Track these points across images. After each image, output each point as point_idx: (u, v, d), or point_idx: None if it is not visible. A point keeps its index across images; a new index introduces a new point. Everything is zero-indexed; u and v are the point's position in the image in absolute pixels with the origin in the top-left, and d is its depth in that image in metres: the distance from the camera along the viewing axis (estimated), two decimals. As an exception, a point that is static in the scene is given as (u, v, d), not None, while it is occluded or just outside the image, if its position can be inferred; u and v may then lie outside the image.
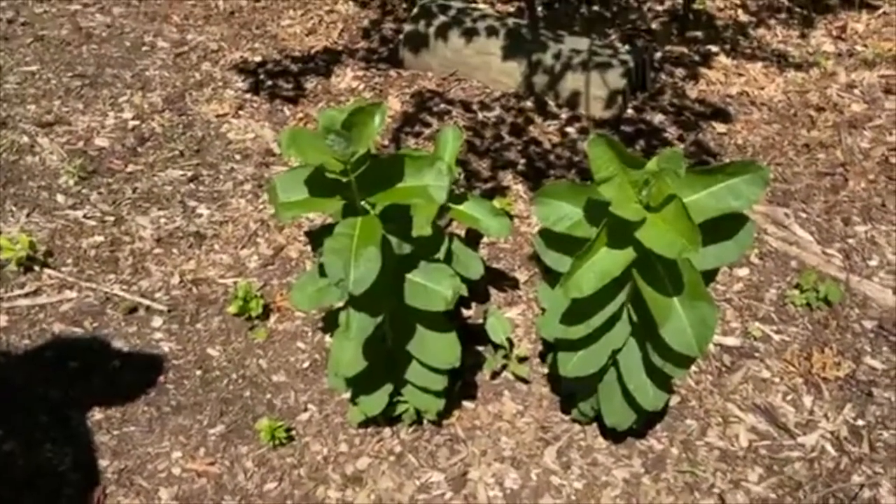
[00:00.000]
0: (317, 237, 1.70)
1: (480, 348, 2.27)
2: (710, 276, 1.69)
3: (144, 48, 3.55)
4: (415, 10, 3.45)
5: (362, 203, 1.54)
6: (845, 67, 3.52)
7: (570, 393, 2.08)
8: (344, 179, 1.45)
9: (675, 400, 2.18)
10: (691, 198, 1.51)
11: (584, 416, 2.04)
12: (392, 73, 3.42)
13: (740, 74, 3.47)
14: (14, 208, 2.63)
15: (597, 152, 1.47)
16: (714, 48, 3.63)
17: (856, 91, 3.36)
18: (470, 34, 3.26)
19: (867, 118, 3.18)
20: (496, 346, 2.20)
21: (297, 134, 1.43)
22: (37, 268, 2.42)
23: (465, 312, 2.40)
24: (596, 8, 3.88)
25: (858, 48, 3.67)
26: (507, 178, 2.88)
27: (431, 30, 3.32)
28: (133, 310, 2.33)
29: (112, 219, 2.63)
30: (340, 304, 1.77)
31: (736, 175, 1.50)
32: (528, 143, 3.03)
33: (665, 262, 1.52)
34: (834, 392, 2.19)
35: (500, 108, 3.20)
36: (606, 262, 1.52)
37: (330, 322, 1.94)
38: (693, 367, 2.26)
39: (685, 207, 1.40)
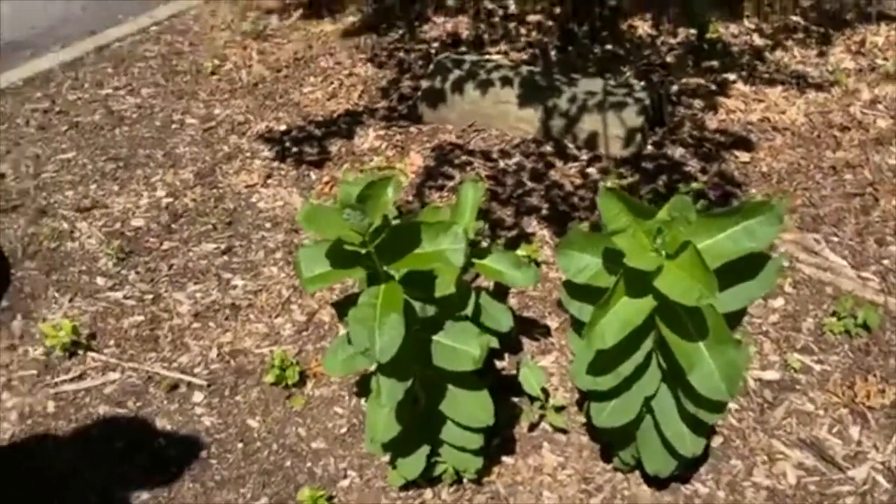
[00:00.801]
0: (342, 307, 1.73)
1: (516, 400, 2.27)
2: (737, 316, 1.68)
3: (174, 126, 3.68)
4: (431, 67, 3.53)
5: (384, 270, 1.57)
6: (867, 83, 3.49)
7: (609, 442, 2.06)
8: (363, 251, 1.49)
9: (718, 440, 2.14)
10: (707, 242, 1.51)
11: (625, 465, 2.02)
12: (412, 129, 3.49)
13: (760, 100, 3.46)
14: (57, 294, 2.72)
15: (607, 205, 1.48)
16: (731, 76, 3.63)
17: (880, 106, 3.33)
18: (485, 85, 3.32)
19: (893, 133, 3.14)
20: (532, 398, 2.20)
21: (315, 210, 1.48)
22: (81, 352, 2.49)
23: (499, 364, 2.40)
24: (609, 47, 3.92)
25: (879, 62, 3.65)
26: (531, 224, 2.90)
27: (448, 84, 3.39)
28: (174, 387, 2.39)
29: (150, 297, 2.71)
30: (372, 368, 1.80)
31: (750, 216, 1.50)
32: (550, 187, 3.06)
33: (687, 308, 1.51)
34: (881, 420, 2.13)
35: (519, 155, 3.24)
36: (627, 311, 1.52)
37: (363, 387, 1.97)
38: (734, 405, 2.22)
39: (699, 254, 1.40)
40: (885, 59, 3.67)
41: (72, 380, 2.42)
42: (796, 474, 2.04)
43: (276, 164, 3.33)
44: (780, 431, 2.15)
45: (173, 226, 3.04)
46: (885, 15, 3.93)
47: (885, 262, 2.58)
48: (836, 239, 2.70)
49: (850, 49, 3.79)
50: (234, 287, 2.73)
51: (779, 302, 2.51)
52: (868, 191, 2.88)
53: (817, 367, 2.29)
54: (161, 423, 2.29)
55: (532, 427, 2.20)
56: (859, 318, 2.34)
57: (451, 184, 3.12)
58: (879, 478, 2.01)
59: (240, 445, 2.21)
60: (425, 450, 1.92)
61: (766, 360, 2.34)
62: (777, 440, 2.13)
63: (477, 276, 2.40)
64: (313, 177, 3.25)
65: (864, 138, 3.16)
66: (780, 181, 3.00)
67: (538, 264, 2.71)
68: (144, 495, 2.10)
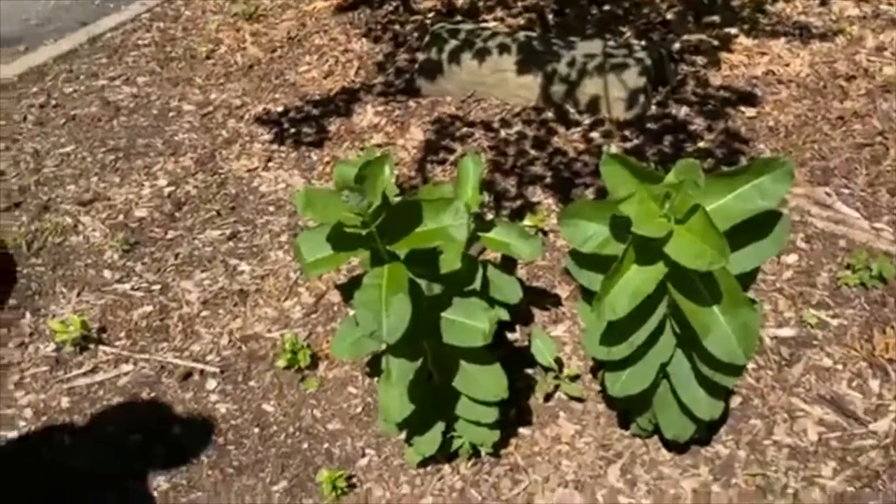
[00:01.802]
0: (348, 289, 1.71)
1: (530, 371, 2.26)
2: (750, 276, 1.64)
3: (171, 114, 3.65)
4: (426, 39, 3.47)
5: (388, 250, 1.55)
6: (872, 30, 3.41)
7: (626, 409, 2.05)
8: (364, 232, 1.46)
9: (736, 400, 2.12)
10: (717, 203, 1.48)
11: (643, 431, 2.01)
12: (411, 103, 3.44)
13: (763, 53, 3.39)
14: (64, 290, 2.72)
15: (610, 172, 1.45)
16: (733, 30, 3.56)
17: (886, 53, 3.25)
18: (482, 54, 3.27)
19: (902, 80, 3.08)
20: (546, 368, 2.18)
21: (312, 194, 1.45)
22: (92, 346, 2.49)
23: (510, 336, 2.38)
24: (607, 7, 3.85)
25: (883, 7, 3.57)
26: (536, 193, 2.86)
27: (444, 55, 3.33)
28: (187, 375, 2.38)
29: (158, 287, 2.70)
30: (382, 348, 1.78)
31: (760, 174, 1.46)
32: (553, 154, 3.01)
33: (699, 272, 1.48)
34: (901, 373, 2.11)
35: (521, 124, 3.19)
36: (638, 280, 1.49)
37: (374, 367, 1.95)
38: (752, 364, 2.20)
39: (709, 217, 1.37)
40: (890, 4, 3.58)
41: (84, 374, 2.42)
42: (817, 431, 2.02)
43: (275, 146, 3.30)
44: (800, 388, 2.12)
45: (177, 214, 3.02)
46: (888, -42, 3.82)
47: (899, 211, 2.54)
48: (847, 191, 2.65)
49: (854, -5, 3.70)
50: (242, 273, 2.72)
51: (792, 258, 2.47)
52: (878, 140, 2.83)
53: (834, 322, 2.26)
54: (176, 413, 2.29)
55: (547, 397, 2.19)
56: (874, 270, 2.31)
57: (452, 157, 3.08)
58: (901, 430, 1.99)
59: (256, 430, 2.21)
60: (441, 426, 1.91)
61: (781, 317, 2.31)
62: (796, 397, 2.11)
63: (484, 249, 2.37)
64: (314, 157, 3.21)
65: (870, 86, 3.09)
66: (787, 135, 2.95)
67: (545, 233, 2.68)
68: (164, 485, 2.11)
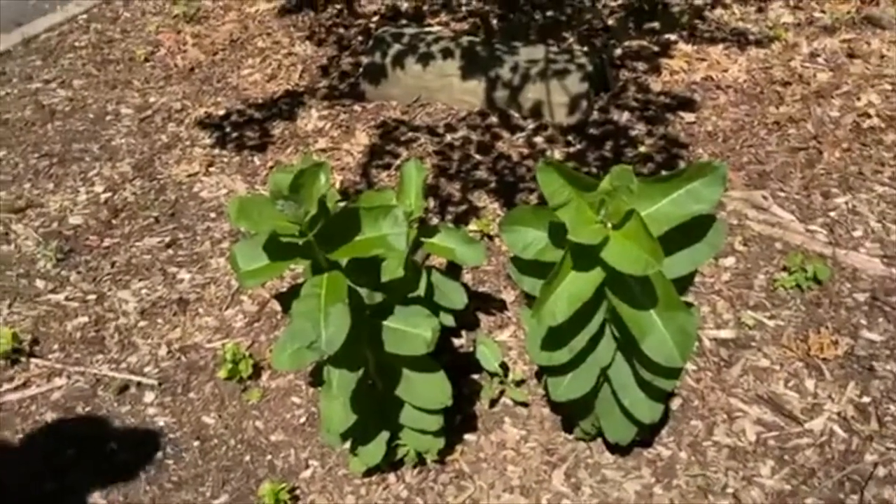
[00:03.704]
0: (286, 299, 1.68)
1: (476, 377, 2.25)
2: (687, 280, 1.67)
3: (108, 117, 3.55)
4: (370, 42, 3.45)
5: (327, 259, 1.53)
6: (806, 37, 3.51)
7: (569, 413, 2.06)
8: (301, 241, 1.44)
9: (677, 402, 2.15)
10: (652, 209, 1.49)
11: (587, 434, 2.02)
12: (356, 107, 3.41)
13: (702, 59, 3.46)
14: (-5, 301, 2.62)
15: (546, 180, 1.45)
16: (673, 36, 3.62)
17: (819, 60, 3.35)
18: (426, 59, 3.26)
19: (834, 86, 3.17)
20: (491, 374, 2.18)
21: (245, 203, 1.42)
22: (23, 359, 2.40)
23: (456, 342, 2.37)
24: (550, 13, 3.88)
25: (817, 15, 3.68)
26: (481, 198, 2.86)
27: (388, 60, 3.32)
28: (124, 388, 2.32)
29: (94, 297, 2.62)
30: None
31: (693, 179, 1.48)
32: (498, 159, 3.02)
33: (635, 277, 1.50)
34: (835, 371, 2.16)
35: (465, 128, 3.20)
36: (576, 285, 1.50)
37: (317, 376, 1.92)
38: (692, 366, 2.23)
39: (643, 223, 1.38)
40: (823, 11, 3.69)
41: (15, 388, 2.33)
42: (756, 430, 2.06)
43: (217, 150, 3.24)
44: (738, 389, 2.16)
45: (114, 221, 2.94)
46: (821, -33, 3.94)
47: (832, 214, 2.61)
48: (783, 194, 2.72)
49: (789, 3, 3.81)
50: (181, 281, 2.65)
51: (730, 260, 2.52)
52: (812, 144, 2.91)
53: (771, 323, 2.31)
54: (112, 427, 2.22)
55: (492, 403, 2.19)
56: (809, 272, 2.36)
57: (397, 162, 3.07)
58: (836, 428, 2.04)
59: (196, 444, 2.16)
60: (385, 435, 1.89)
61: (720, 319, 2.36)
62: (735, 398, 2.15)
63: (429, 255, 2.36)
64: (257, 162, 3.16)
65: (805, 92, 3.18)
66: (725, 140, 3.01)
67: (490, 238, 2.68)
68: (100, 502, 2.04)
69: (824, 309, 2.33)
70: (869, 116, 2.96)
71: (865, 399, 2.09)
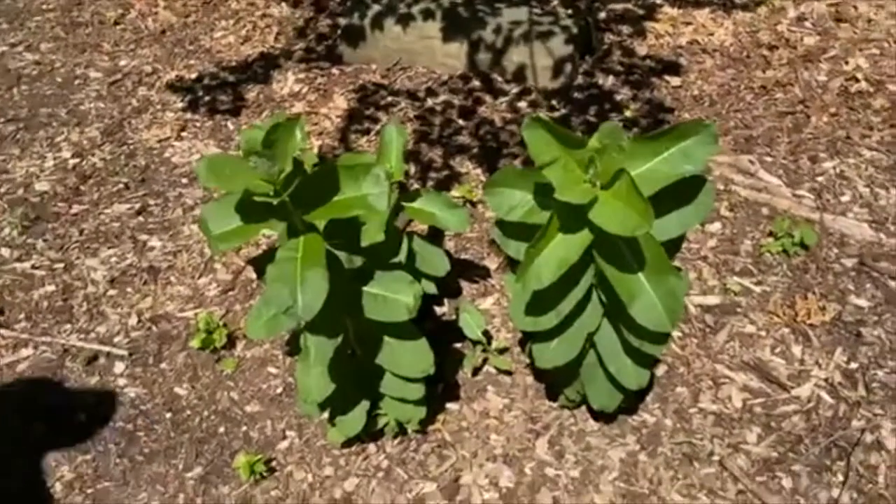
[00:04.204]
0: (261, 264, 1.61)
1: (458, 345, 2.20)
2: (676, 243, 1.61)
3: (77, 81, 3.42)
4: (348, 3, 3.34)
5: (303, 220, 1.45)
6: (793, 1, 3.44)
7: (553, 380, 2.01)
8: (275, 201, 1.36)
9: (662, 369, 2.12)
10: (642, 168, 1.43)
11: (571, 402, 1.98)
12: (334, 70, 3.31)
13: (688, 23, 3.38)
14: (-42, 270, 2.52)
15: (533, 137, 1.39)
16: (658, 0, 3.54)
17: (806, 24, 3.29)
18: (406, 20, 3.16)
19: (821, 50, 3.11)
20: (474, 342, 2.13)
21: (215, 161, 1.34)
22: (-12, 329, 2.32)
23: (438, 310, 2.32)
24: (533, -26, 3.77)
25: (804, -22, 3.60)
26: (463, 163, 2.79)
27: (367, 21, 3.21)
28: (93, 359, 2.24)
29: (61, 265, 2.53)
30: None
31: (685, 137, 1.42)
32: (480, 124, 2.95)
33: (624, 239, 1.44)
34: (822, 338, 2.13)
35: (447, 92, 3.11)
36: (563, 248, 1.44)
37: (294, 345, 1.86)
38: (677, 332, 2.19)
39: (634, 182, 1.32)
40: (810, -26, 3.62)
41: (-20, 360, 2.25)
42: (742, 397, 2.03)
43: (189, 115, 3.13)
44: (724, 355, 2.13)
45: (82, 188, 2.84)
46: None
47: (819, 179, 2.57)
48: (769, 159, 2.67)
49: (776, -34, 3.73)
50: (152, 249, 2.56)
51: (716, 226, 2.48)
52: (799, 108, 2.86)
53: (757, 289, 2.28)
54: (81, 398, 2.15)
55: (475, 371, 2.14)
56: (796, 237, 2.33)
57: (377, 127, 2.98)
58: (823, 394, 2.01)
59: (168, 415, 2.09)
60: (365, 405, 1.84)
61: (705, 286, 2.31)
62: (721, 364, 2.11)
63: (410, 220, 2.29)
64: (231, 126, 3.06)
65: (792, 56, 3.12)
66: (712, 104, 2.95)
67: (473, 204, 2.62)
68: (68, 475, 1.97)
69: (811, 274, 2.30)
70: (857, 80, 2.91)
71: (853, 365, 2.06)
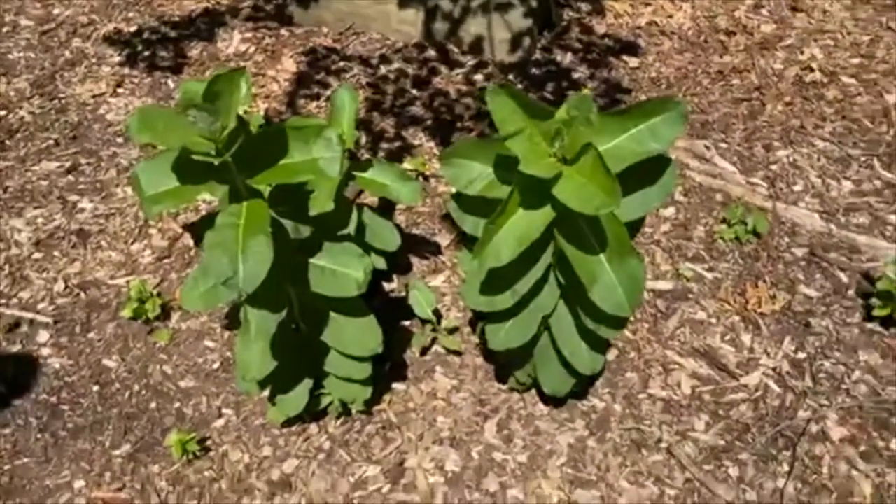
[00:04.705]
0: (199, 229, 1.49)
1: (407, 323, 2.13)
2: (636, 225, 1.57)
3: (5, 29, 3.20)
4: (300, -38, 3.18)
5: (247, 184, 1.35)
6: (751, -13, 3.43)
7: (504, 363, 1.96)
8: (217, 161, 1.25)
9: (612, 353, 2.08)
10: (609, 144, 1.37)
11: (521, 385, 1.93)
12: (283, 31, 3.16)
13: (647, 4, 3.34)
14: None
15: (498, 104, 1.31)
16: (619, -22, 3.48)
17: (763, 11, 3.28)
18: (362, -17, 3.03)
19: (778, 38, 3.11)
20: (423, 321, 2.05)
21: (149, 113, 1.22)
22: None
23: (387, 286, 2.23)
24: (494, -55, 3.67)
25: (761, -34, 3.59)
26: (416, 135, 2.69)
27: (320, -18, 3.07)
28: (15, 325, 2.09)
29: (-19, 225, 2.35)
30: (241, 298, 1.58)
31: (654, 114, 1.36)
32: (435, 95, 2.85)
33: (587, 218, 1.38)
34: (772, 326, 2.13)
35: (401, 61, 3.00)
36: (523, 224, 1.37)
37: (233, 318, 1.76)
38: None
39: (602, 158, 1.26)
40: (768, -37, 3.62)
41: None
42: (691, 384, 2.01)
43: (126, 70, 2.95)
44: (674, 342, 2.11)
45: (7, 142, 2.65)
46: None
47: (773, 167, 2.56)
48: (724, 145, 2.65)
49: (735, -48, 3.71)
50: (82, 210, 2.40)
51: (670, 210, 2.45)
52: (755, 95, 2.85)
53: (709, 276, 2.26)
54: (1, 368, 2.00)
55: (424, 351, 2.07)
56: (749, 225, 2.31)
57: (327, 93, 2.86)
58: (771, 383, 2.00)
59: (95, 388, 1.97)
60: (308, 383, 1.75)
61: (658, 270, 2.29)
62: (671, 350, 2.09)
63: (361, 192, 2.20)
64: (171, 84, 2.90)
65: (749, 43, 3.11)
66: (669, 87, 2.91)
67: (426, 178, 2.53)
68: (-17, 451, 1.84)
69: (762, 263, 2.29)
70: (812, 70, 2.92)
71: (801, 355, 2.06)
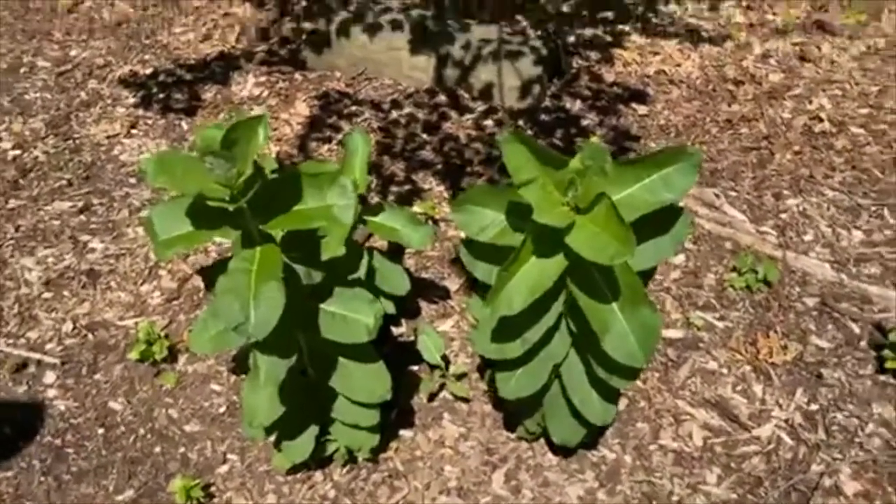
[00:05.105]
0: (212, 274, 1.49)
1: (415, 368, 2.11)
2: (648, 275, 1.56)
3: (23, 69, 3.25)
4: (315, 8, 3.24)
5: (260, 230, 1.35)
6: (759, 37, 3.47)
7: (514, 411, 1.93)
8: (231, 207, 1.26)
9: (623, 402, 2.06)
10: (622, 194, 1.37)
11: (530, 434, 1.90)
12: (297, 76, 3.21)
13: (655, 53, 3.38)
14: None
15: (512, 152, 1.32)
16: (626, 27, 3.54)
17: (771, 61, 3.31)
18: (374, 29, 3.08)
19: (786, 87, 3.13)
20: (432, 366, 2.04)
21: (167, 159, 1.23)
22: None
23: (395, 331, 2.22)
24: (504, -6, 3.74)
25: (769, 17, 3.64)
26: (426, 179, 2.71)
27: (333, 27, 3.12)
28: (21, 366, 2.08)
29: (-8, 263, 2.36)
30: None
31: (667, 164, 1.37)
32: (445, 140, 2.87)
33: (600, 267, 1.37)
34: (783, 377, 2.10)
35: (412, 106, 3.03)
36: (536, 272, 1.37)
37: (241, 362, 1.74)
38: (638, 365, 2.13)
39: (615, 207, 1.26)
40: (775, 13, 3.66)
41: None
42: (702, 435, 1.98)
43: (141, 112, 2.98)
44: (685, 391, 2.08)
45: (21, 181, 2.67)
46: (772, -30, 3.93)
47: (783, 215, 2.56)
48: (734, 193, 2.66)
49: (741, 4, 3.76)
50: (93, 251, 2.41)
51: (680, 258, 2.44)
52: (763, 144, 2.86)
53: (720, 325, 2.24)
54: (6, 409, 1.98)
55: (432, 397, 2.05)
56: (759, 274, 2.30)
57: (338, 136, 2.88)
58: (783, 435, 1.97)
59: (100, 431, 1.95)
60: (314, 430, 1.73)
61: (668, 319, 2.27)
62: (682, 400, 2.06)
63: (370, 235, 2.20)
64: (185, 126, 2.93)
65: (757, 92, 3.13)
66: (677, 135, 2.93)
67: (435, 222, 2.54)
68: (-15, 494, 1.81)
69: (773, 312, 2.27)
70: (820, 120, 2.93)
71: (813, 407, 2.04)
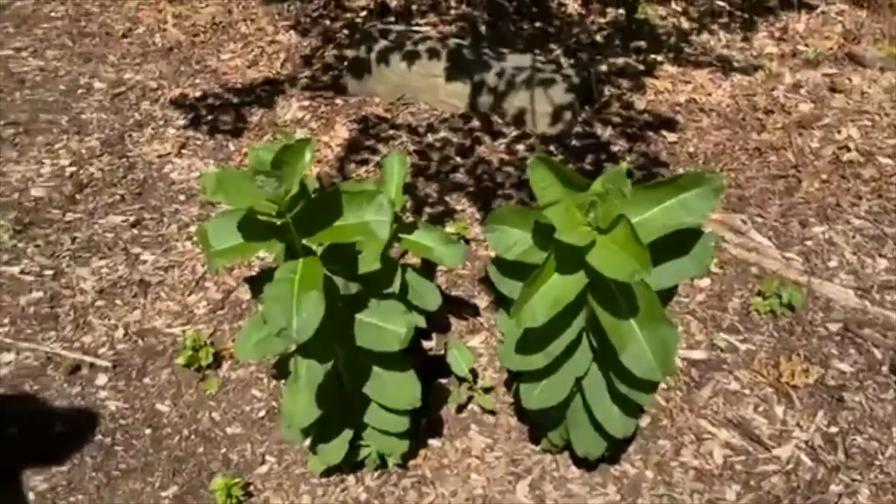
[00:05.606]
0: (257, 283, 1.61)
1: (444, 381, 2.20)
2: (669, 293, 1.64)
3: (80, 91, 3.44)
4: (357, 37, 3.39)
5: (303, 243, 1.46)
6: (790, 68, 3.53)
7: (538, 423, 2.01)
8: (279, 221, 1.37)
9: (645, 420, 2.12)
10: (642, 216, 1.46)
11: (554, 446, 1.97)
12: (338, 100, 3.35)
13: (687, 82, 3.46)
14: (-56, 269, 2.50)
15: (538, 175, 1.41)
16: (659, 57, 3.62)
17: (802, 91, 3.37)
18: (412, 57, 3.21)
19: (815, 118, 3.19)
20: (460, 379, 2.12)
21: (224, 176, 1.35)
22: (-30, 331, 2.29)
23: (426, 344, 2.32)
24: (538, 24, 3.86)
25: (801, 48, 3.70)
26: (458, 201, 2.81)
27: (374, 55, 3.26)
28: (76, 368, 2.21)
29: (51, 272, 2.51)
30: (291, 349, 1.68)
31: (687, 189, 1.45)
32: (477, 163, 2.98)
33: (619, 284, 1.46)
34: (805, 399, 2.15)
35: (447, 130, 3.15)
36: (558, 288, 1.45)
37: (281, 369, 1.85)
38: (662, 384, 2.20)
39: (633, 228, 1.35)
40: (806, 45, 3.72)
41: (-41, 362, 2.22)
42: (723, 454, 2.04)
43: (191, 132, 3.14)
44: (707, 411, 2.14)
45: (77, 196, 2.83)
46: (805, 3, 3.99)
47: (808, 242, 2.61)
48: (761, 220, 2.72)
49: (773, 35, 3.83)
50: (144, 262, 2.56)
51: (705, 281, 2.51)
52: (791, 173, 2.92)
53: (743, 347, 2.30)
54: (61, 408, 2.12)
55: (460, 409, 2.13)
56: (784, 298, 2.35)
57: (376, 158, 3.01)
58: (803, 456, 2.02)
59: (148, 431, 2.07)
60: (348, 434, 1.82)
61: (692, 340, 2.33)
62: (704, 420, 2.12)
63: (404, 252, 2.31)
64: (232, 147, 3.08)
65: (787, 121, 3.19)
66: (706, 162, 3.00)
67: (467, 241, 2.64)
68: (41, 486, 1.94)
69: (797, 336, 2.32)
70: (848, 150, 2.98)
71: (833, 429, 2.08)
